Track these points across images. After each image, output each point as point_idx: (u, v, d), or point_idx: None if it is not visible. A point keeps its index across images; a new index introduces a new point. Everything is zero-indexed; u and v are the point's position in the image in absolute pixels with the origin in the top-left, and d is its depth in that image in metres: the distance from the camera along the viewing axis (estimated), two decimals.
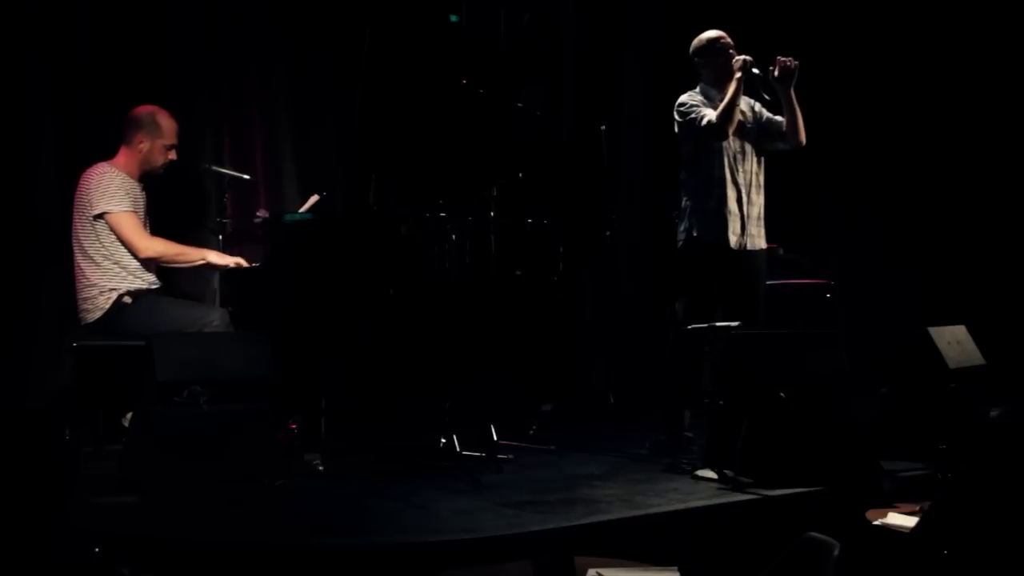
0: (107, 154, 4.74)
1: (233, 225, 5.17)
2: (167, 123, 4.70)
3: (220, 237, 5.06)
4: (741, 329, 4.39)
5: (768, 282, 4.93)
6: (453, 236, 5.01)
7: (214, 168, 5.17)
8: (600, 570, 3.41)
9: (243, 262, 4.72)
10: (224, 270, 4.73)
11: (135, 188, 4.64)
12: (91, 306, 4.52)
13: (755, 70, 4.59)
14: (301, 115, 5.99)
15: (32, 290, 5.10)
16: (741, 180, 4.71)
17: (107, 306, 4.49)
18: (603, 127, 6.32)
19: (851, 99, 6.37)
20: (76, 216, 4.58)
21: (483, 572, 3.36)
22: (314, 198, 5.04)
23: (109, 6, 5.37)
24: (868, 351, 5.36)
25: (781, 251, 5.56)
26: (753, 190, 4.75)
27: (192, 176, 5.35)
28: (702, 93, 4.76)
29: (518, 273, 5.82)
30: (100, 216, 4.51)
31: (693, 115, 4.65)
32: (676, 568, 3.45)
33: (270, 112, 5.93)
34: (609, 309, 6.72)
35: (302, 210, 4.99)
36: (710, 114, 4.61)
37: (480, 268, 5.41)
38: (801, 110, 4.71)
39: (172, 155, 4.74)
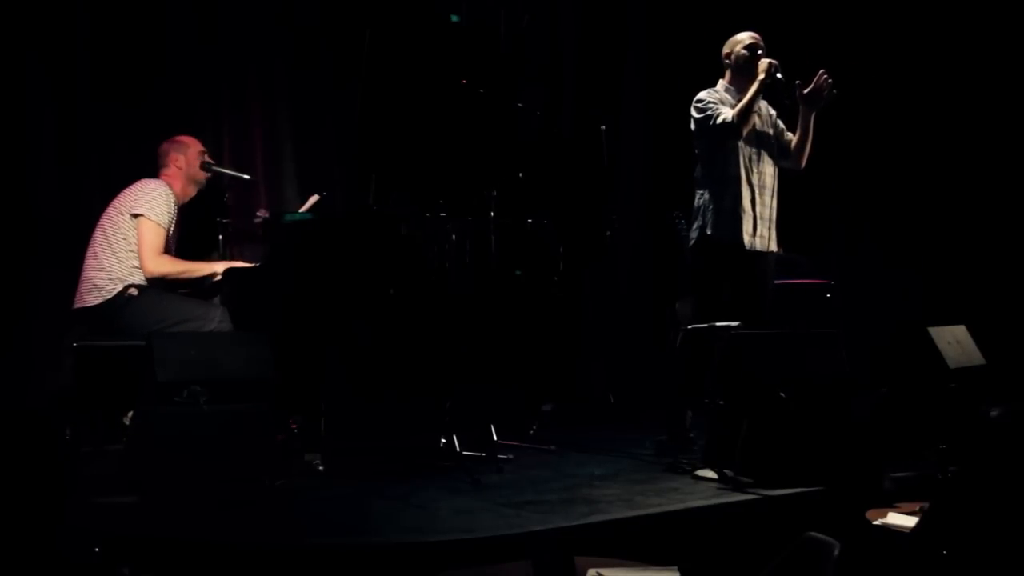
0: (107, 154, 4.75)
1: (233, 225, 5.17)
2: (188, 138, 4.89)
3: (220, 237, 5.06)
4: (741, 329, 4.39)
5: None
6: (453, 236, 5.02)
7: (214, 168, 5.17)
8: (600, 570, 3.40)
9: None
10: (224, 270, 4.73)
11: (176, 213, 4.70)
12: (94, 288, 4.52)
13: (779, 75, 4.56)
14: (301, 115, 6.00)
15: (32, 290, 5.10)
16: (755, 181, 4.70)
17: (110, 295, 4.49)
18: (603, 127, 6.32)
19: (851, 99, 6.36)
20: (111, 210, 4.63)
21: (483, 572, 3.36)
22: (314, 198, 5.04)
23: (109, 5, 5.38)
24: (868, 351, 5.36)
25: (781, 251, 5.56)
26: (767, 192, 4.74)
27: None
28: (723, 91, 4.74)
29: (518, 273, 5.82)
30: (137, 216, 4.57)
31: (709, 112, 4.62)
32: (676, 568, 3.45)
33: (270, 112, 5.93)
34: (609, 309, 6.73)
35: (302, 210, 5.00)
36: (726, 113, 4.58)
37: (480, 268, 5.41)
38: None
39: (207, 160, 4.88)
